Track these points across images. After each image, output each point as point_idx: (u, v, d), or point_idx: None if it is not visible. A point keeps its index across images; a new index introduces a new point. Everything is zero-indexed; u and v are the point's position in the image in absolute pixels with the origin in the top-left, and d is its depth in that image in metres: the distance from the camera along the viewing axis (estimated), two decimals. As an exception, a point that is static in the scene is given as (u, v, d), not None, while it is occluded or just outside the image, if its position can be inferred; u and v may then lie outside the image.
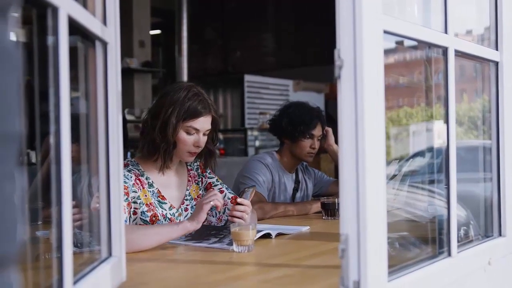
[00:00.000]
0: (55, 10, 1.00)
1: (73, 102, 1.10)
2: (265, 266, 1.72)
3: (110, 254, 1.37)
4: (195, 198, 2.32)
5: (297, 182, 3.13)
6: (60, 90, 1.01)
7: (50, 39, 1.01)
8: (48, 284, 1.07)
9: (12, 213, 0.56)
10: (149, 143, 2.17)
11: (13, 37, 0.58)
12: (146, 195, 2.16)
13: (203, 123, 2.18)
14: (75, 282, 1.09)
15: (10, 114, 0.55)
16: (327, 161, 6.56)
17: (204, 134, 2.20)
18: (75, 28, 1.11)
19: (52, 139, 1.01)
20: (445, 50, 1.51)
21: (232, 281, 1.54)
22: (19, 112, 0.58)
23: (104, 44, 1.35)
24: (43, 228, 1.34)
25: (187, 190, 2.32)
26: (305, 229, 2.34)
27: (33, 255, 1.23)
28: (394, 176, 2.22)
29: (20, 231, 0.57)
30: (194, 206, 2.28)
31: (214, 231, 2.12)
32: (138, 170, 2.19)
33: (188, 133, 2.16)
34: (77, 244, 1.35)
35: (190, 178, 2.35)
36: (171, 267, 1.72)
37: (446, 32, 1.51)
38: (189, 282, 1.56)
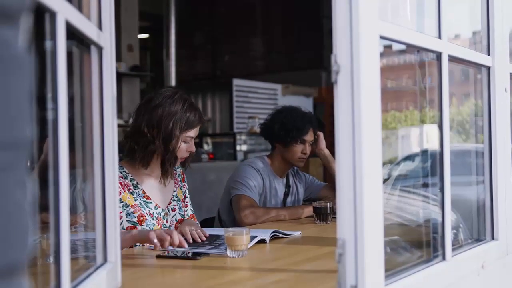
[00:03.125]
0: (53, 15, 0.99)
1: (68, 107, 1.09)
2: (260, 271, 1.72)
3: (105, 260, 1.36)
4: (181, 200, 2.41)
5: (288, 186, 3.13)
6: (58, 95, 1.00)
7: (47, 44, 1.01)
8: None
9: (24, 220, 0.55)
10: (149, 154, 2.23)
11: (24, 43, 0.58)
12: (129, 197, 2.20)
13: (197, 131, 2.31)
14: (72, 289, 1.08)
15: (22, 120, 0.55)
16: (315, 165, 6.58)
17: (194, 140, 2.33)
18: (71, 32, 1.10)
19: (50, 145, 1.00)
20: (439, 55, 1.52)
21: (228, 286, 1.54)
22: (30, 120, 0.57)
23: (100, 49, 1.34)
24: (38, 234, 1.33)
25: (174, 191, 2.39)
26: (297, 233, 2.34)
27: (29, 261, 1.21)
28: (385, 180, 2.23)
29: (31, 238, 0.57)
30: (181, 208, 2.39)
31: (209, 240, 2.11)
32: (121, 173, 2.22)
33: (185, 142, 2.27)
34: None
35: (176, 181, 2.43)
36: (166, 273, 1.71)
37: (439, 37, 1.52)
38: (184, 287, 1.56)
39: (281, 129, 2.97)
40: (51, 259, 1.12)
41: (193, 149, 2.30)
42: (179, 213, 2.37)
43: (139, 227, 2.17)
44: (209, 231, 2.27)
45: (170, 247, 1.97)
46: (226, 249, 1.87)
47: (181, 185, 2.45)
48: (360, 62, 1.16)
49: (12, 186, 0.54)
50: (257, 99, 8.30)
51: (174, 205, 2.37)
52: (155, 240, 1.86)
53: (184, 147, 2.26)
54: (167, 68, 8.71)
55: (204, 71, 10.34)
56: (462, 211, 1.91)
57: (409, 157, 2.92)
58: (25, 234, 0.56)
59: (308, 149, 3.00)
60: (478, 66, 1.82)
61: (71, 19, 1.07)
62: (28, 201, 0.57)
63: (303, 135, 2.97)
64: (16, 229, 0.54)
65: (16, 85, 0.55)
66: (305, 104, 7.43)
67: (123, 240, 1.92)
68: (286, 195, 3.11)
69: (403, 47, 1.56)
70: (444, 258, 1.52)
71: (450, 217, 1.54)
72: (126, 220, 2.17)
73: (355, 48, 1.16)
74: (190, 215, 2.41)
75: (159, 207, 2.29)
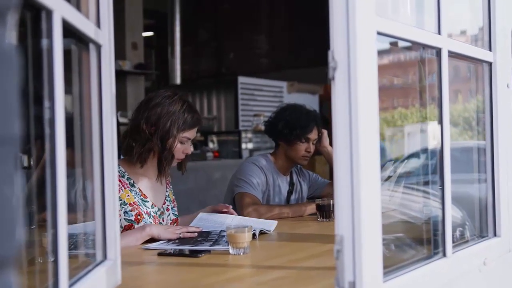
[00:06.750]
0: (49, 13, 0.99)
1: (66, 105, 1.09)
2: (261, 268, 1.72)
3: (105, 257, 1.37)
4: (172, 201, 2.45)
5: (291, 184, 3.13)
6: (55, 93, 1.01)
7: (44, 42, 1.01)
8: (43, 287, 1.06)
9: (12, 216, 0.56)
10: (147, 152, 2.26)
11: (11, 40, 0.59)
12: (128, 195, 2.24)
13: (195, 132, 2.34)
14: (70, 285, 1.08)
15: (10, 116, 0.55)
16: (321, 163, 6.57)
17: (191, 142, 2.35)
18: (68, 30, 1.11)
19: (47, 143, 1.00)
20: (438, 51, 1.51)
21: (228, 283, 1.54)
22: (18, 115, 0.58)
23: (98, 47, 1.34)
24: (38, 232, 1.34)
25: (167, 191, 2.44)
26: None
27: (27, 259, 1.22)
28: (389, 177, 2.23)
29: (19, 234, 0.58)
30: (173, 208, 2.44)
31: (201, 238, 2.10)
32: (119, 172, 2.23)
33: (181, 142, 2.30)
34: (71, 246, 1.34)
35: (168, 182, 2.47)
36: (166, 270, 1.72)
37: (439, 33, 1.51)
38: (184, 285, 1.56)
39: (285, 127, 2.97)
40: (51, 257, 1.12)
41: (189, 151, 2.33)
42: (172, 213, 2.42)
43: (136, 226, 2.18)
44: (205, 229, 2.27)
45: (171, 246, 1.98)
46: (227, 244, 1.87)
47: (170, 187, 2.50)
48: (357, 58, 1.16)
49: (0, 182, 0.55)
50: (262, 96, 8.30)
51: (168, 205, 2.41)
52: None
53: (180, 148, 2.29)
54: (172, 66, 8.73)
55: (209, 69, 10.34)
56: (465, 208, 1.90)
57: (415, 154, 2.91)
58: (13, 229, 0.56)
59: (312, 148, 3.00)
60: (479, 62, 1.81)
61: (68, 17, 1.08)
62: (16, 196, 0.57)
63: (307, 133, 2.96)
64: (4, 224, 0.55)
65: (3, 81, 0.55)
66: (311, 101, 7.42)
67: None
68: (290, 193, 3.11)
69: (409, 43, 1.56)
70: (444, 255, 1.51)
71: (450, 213, 1.53)
72: (124, 219, 2.19)
73: (351, 44, 1.16)
74: (173, 219, 2.42)
75: (155, 205, 2.33)
